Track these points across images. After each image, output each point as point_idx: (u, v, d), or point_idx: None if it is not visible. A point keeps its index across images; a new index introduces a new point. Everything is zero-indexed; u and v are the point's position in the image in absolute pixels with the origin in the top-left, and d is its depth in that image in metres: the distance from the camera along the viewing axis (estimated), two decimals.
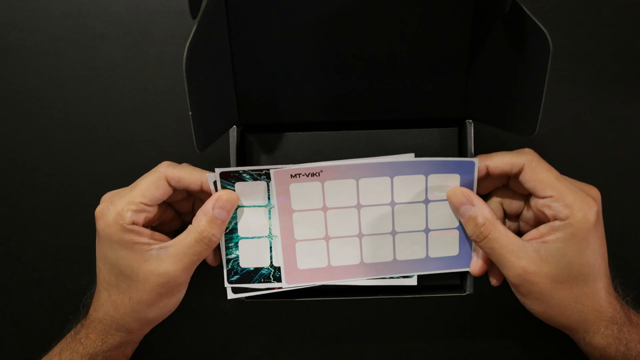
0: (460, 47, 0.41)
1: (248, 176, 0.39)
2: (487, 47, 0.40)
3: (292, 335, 0.48)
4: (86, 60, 0.47)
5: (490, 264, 0.40)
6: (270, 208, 0.40)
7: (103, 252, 0.38)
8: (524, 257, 0.36)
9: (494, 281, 0.41)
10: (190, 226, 0.38)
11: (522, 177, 0.37)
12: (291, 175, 0.38)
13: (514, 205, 0.40)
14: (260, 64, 0.42)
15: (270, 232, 0.40)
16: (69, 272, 0.48)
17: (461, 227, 0.40)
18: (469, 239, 0.40)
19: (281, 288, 0.41)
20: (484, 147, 0.42)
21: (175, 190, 0.40)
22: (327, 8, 0.40)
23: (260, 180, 0.39)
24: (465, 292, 0.42)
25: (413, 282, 0.42)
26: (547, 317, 0.38)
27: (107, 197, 0.39)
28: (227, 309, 0.48)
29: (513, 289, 0.39)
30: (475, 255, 0.41)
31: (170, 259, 0.37)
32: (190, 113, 0.34)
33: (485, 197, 0.41)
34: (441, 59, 0.41)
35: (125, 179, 0.40)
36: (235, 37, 0.41)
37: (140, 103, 0.47)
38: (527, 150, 0.38)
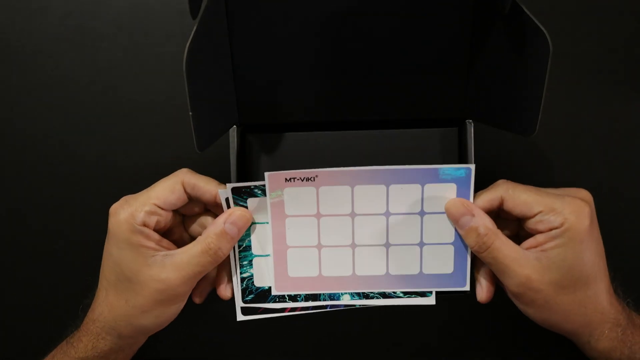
0: (460, 46, 0.41)
1: (259, 192, 0.38)
2: (487, 47, 0.40)
3: (289, 337, 0.49)
4: (86, 60, 0.47)
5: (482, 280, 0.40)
6: None
7: (109, 250, 0.38)
8: (527, 266, 0.36)
9: (483, 296, 0.40)
10: (199, 237, 0.38)
11: (506, 207, 0.37)
12: (285, 179, 0.38)
13: (508, 231, 0.40)
14: (260, 64, 0.42)
15: None
16: (71, 276, 0.48)
17: (456, 244, 0.39)
18: (463, 256, 0.39)
19: (295, 309, 0.41)
20: (484, 147, 0.42)
21: (191, 200, 0.40)
22: (327, 8, 0.40)
23: None
24: (466, 292, 0.42)
25: (431, 301, 0.40)
26: (551, 324, 0.38)
27: (124, 197, 0.39)
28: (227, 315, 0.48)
29: (514, 299, 0.38)
30: (480, 284, 0.40)
31: (172, 267, 0.37)
32: (190, 113, 0.34)
33: None
34: (441, 59, 0.41)
35: (125, 179, 0.41)
36: (235, 37, 0.41)
37: (140, 103, 0.47)
38: (499, 182, 0.38)
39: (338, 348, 0.49)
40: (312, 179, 0.38)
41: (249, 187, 0.38)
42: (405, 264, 0.40)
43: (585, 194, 0.37)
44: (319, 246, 0.40)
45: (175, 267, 0.37)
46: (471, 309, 0.48)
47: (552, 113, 0.46)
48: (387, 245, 0.39)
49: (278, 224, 0.39)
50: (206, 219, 0.41)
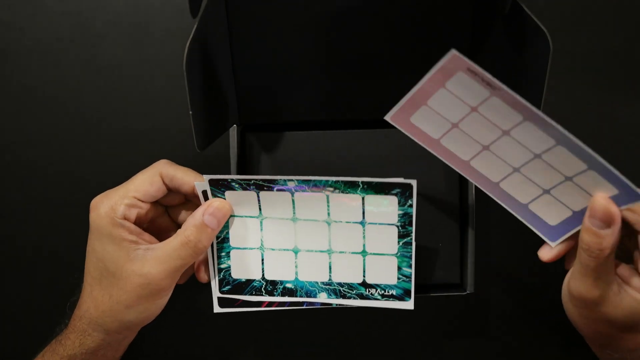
0: (460, 47, 0.41)
1: (237, 185, 0.38)
2: (487, 47, 0.40)
3: (285, 340, 0.48)
4: (86, 60, 0.47)
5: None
6: (262, 219, 0.39)
7: (92, 245, 0.38)
8: (607, 292, 0.34)
9: (549, 255, 0.38)
10: (178, 230, 0.38)
11: None
12: (465, 69, 0.33)
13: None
14: (260, 63, 0.42)
15: (262, 244, 0.40)
16: (70, 276, 0.48)
17: (577, 214, 0.36)
18: (572, 226, 0.37)
19: (271, 304, 0.40)
20: None
21: (170, 191, 0.39)
22: (326, 8, 0.40)
23: (249, 190, 0.38)
24: (466, 291, 0.42)
25: (409, 305, 0.39)
26: (585, 333, 0.38)
27: (104, 192, 0.39)
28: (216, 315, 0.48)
29: (566, 294, 0.37)
30: (557, 248, 0.37)
31: (154, 261, 0.36)
32: (190, 113, 0.34)
33: None
34: (441, 59, 0.41)
35: (125, 179, 0.40)
36: (235, 37, 0.41)
37: (140, 103, 0.47)
38: None
39: (329, 346, 0.49)
40: (492, 86, 0.33)
41: (226, 180, 0.38)
42: (519, 191, 0.37)
43: None
44: (455, 125, 0.36)
45: (157, 261, 0.36)
46: (471, 309, 0.48)
47: (552, 113, 0.46)
48: (515, 169, 0.37)
49: (435, 80, 0.34)
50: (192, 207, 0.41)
